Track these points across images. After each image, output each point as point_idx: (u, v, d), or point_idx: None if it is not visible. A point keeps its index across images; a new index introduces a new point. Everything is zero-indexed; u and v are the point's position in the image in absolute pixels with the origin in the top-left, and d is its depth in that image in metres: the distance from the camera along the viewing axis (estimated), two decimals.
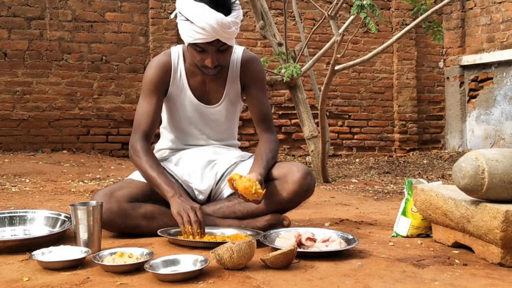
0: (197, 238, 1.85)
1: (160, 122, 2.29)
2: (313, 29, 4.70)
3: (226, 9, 1.96)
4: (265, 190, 1.90)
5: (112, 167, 4.95)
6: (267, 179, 2.06)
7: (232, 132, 2.33)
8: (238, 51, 2.20)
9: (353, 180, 4.64)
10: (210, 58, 2.00)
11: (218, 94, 2.20)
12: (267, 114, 2.25)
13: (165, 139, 2.29)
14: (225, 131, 2.28)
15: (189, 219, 1.88)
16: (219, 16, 1.92)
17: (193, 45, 2.00)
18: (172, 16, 2.11)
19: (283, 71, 4.28)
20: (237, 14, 1.99)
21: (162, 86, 2.15)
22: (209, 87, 2.19)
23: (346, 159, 6.54)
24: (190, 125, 2.22)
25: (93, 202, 1.81)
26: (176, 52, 2.18)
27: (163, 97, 2.18)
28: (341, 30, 4.08)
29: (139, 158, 2.08)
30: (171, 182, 2.03)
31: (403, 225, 2.08)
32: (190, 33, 1.96)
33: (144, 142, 2.11)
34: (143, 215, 1.97)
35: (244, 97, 2.28)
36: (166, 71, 2.15)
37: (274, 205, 2.07)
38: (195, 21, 1.93)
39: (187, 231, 1.87)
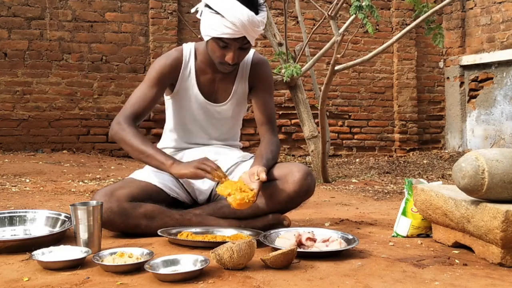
0: (198, 238, 1.85)
1: (163, 121, 2.29)
2: (313, 29, 4.70)
3: (255, 8, 1.98)
4: (257, 189, 1.89)
5: (112, 167, 4.95)
6: (267, 180, 2.06)
7: (235, 132, 2.34)
8: (249, 53, 2.22)
9: (353, 180, 4.64)
10: (231, 54, 2.01)
11: (226, 93, 2.21)
12: (271, 117, 2.26)
13: (167, 137, 2.28)
14: (228, 131, 2.29)
15: (212, 167, 1.90)
16: (251, 13, 1.94)
17: (217, 40, 2.00)
18: (192, 10, 2.10)
19: (283, 71, 4.29)
20: (264, 14, 2.02)
21: (166, 81, 2.14)
22: (217, 85, 2.20)
23: (346, 159, 6.54)
24: (194, 123, 2.22)
25: (93, 202, 1.81)
26: (188, 49, 2.19)
27: (163, 91, 2.17)
28: (341, 30, 4.08)
29: (127, 135, 2.02)
30: (163, 152, 2.04)
31: (403, 225, 2.08)
32: (217, 27, 1.96)
33: (131, 120, 2.06)
34: (143, 214, 1.97)
35: (250, 98, 2.29)
36: (175, 67, 2.14)
37: (274, 205, 2.07)
38: (226, 16, 1.93)
39: (217, 176, 1.88)
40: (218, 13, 1.95)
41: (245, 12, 1.93)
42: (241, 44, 2.01)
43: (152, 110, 2.22)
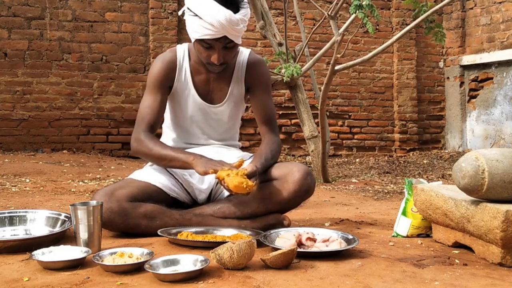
0: (198, 238, 1.85)
1: (162, 121, 2.29)
2: (313, 29, 4.70)
3: (235, 7, 1.98)
4: (256, 182, 1.89)
5: (112, 167, 4.95)
6: (267, 179, 2.06)
7: (234, 132, 2.34)
8: (244, 53, 2.22)
9: (353, 180, 4.64)
10: (216, 54, 2.01)
11: (222, 93, 2.21)
12: (271, 116, 2.26)
13: (167, 138, 2.29)
14: (226, 132, 2.29)
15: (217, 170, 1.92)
16: (228, 12, 1.93)
17: (200, 41, 2.01)
18: (180, 12, 2.11)
19: (283, 71, 4.28)
20: (245, 12, 2.01)
21: (166, 82, 2.15)
22: (213, 85, 2.20)
23: (346, 159, 6.54)
24: (192, 124, 2.22)
25: (93, 202, 1.81)
26: (182, 50, 2.19)
27: (168, 93, 2.18)
28: (341, 30, 4.07)
29: (146, 146, 2.07)
30: (182, 150, 2.08)
31: (403, 225, 2.08)
32: (198, 29, 1.97)
33: (148, 133, 2.10)
34: (143, 214, 1.97)
35: (248, 99, 2.29)
36: (171, 68, 2.15)
37: (274, 205, 2.07)
38: (204, 17, 1.94)
39: (222, 170, 1.91)
40: (196, 15, 1.97)
41: (222, 12, 1.93)
42: (224, 43, 2.01)
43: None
